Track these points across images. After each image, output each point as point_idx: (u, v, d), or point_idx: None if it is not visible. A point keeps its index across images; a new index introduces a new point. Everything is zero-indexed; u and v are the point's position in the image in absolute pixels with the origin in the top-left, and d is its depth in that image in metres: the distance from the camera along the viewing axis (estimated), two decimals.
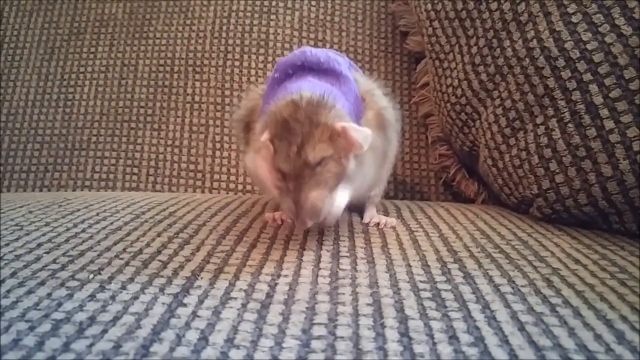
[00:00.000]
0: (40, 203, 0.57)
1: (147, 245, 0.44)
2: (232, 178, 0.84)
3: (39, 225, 0.48)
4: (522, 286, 0.37)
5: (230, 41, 0.89)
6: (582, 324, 0.32)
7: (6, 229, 0.47)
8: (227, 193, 0.83)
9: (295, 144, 0.41)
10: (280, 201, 0.44)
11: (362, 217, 0.54)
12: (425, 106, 0.83)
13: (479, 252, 0.45)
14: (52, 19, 0.95)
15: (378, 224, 0.52)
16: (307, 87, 0.44)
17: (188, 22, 0.91)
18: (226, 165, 0.85)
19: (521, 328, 0.31)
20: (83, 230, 0.47)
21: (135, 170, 0.86)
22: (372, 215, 0.54)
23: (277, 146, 0.42)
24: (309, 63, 0.49)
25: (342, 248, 0.45)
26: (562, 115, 0.55)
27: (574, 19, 0.55)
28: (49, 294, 0.34)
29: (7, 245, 0.43)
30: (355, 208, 0.56)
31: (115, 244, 0.44)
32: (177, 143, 0.86)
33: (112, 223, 0.50)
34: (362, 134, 0.42)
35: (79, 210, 0.54)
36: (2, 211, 0.53)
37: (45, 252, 0.41)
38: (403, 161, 0.84)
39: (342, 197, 0.44)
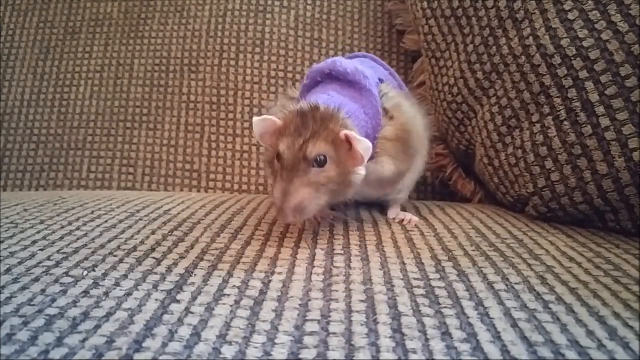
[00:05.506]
0: (35, 202, 0.57)
1: (142, 242, 0.44)
2: (228, 178, 0.84)
3: (34, 223, 0.48)
4: (516, 284, 0.37)
5: (226, 40, 0.89)
6: (575, 320, 0.32)
7: (1, 226, 0.47)
8: (223, 192, 0.83)
9: (303, 137, 0.44)
10: (272, 186, 0.47)
11: (360, 216, 0.55)
12: (422, 105, 0.83)
13: (473, 250, 0.45)
14: (48, 18, 0.95)
15: (402, 220, 0.54)
16: (326, 99, 0.47)
17: (183, 21, 0.91)
18: (222, 165, 0.85)
19: (514, 324, 0.31)
20: (78, 228, 0.47)
21: (131, 170, 0.86)
22: (397, 212, 0.57)
23: (287, 133, 0.45)
24: (336, 73, 0.51)
25: (337, 246, 0.45)
26: (558, 113, 0.55)
27: (570, 16, 0.55)
28: (43, 290, 0.34)
29: (2, 242, 0.43)
30: (377, 205, 0.59)
31: (109, 241, 0.44)
32: (172, 143, 0.86)
33: (106, 221, 0.50)
34: (362, 144, 0.44)
35: (74, 208, 0.54)
36: None
37: (40, 250, 0.41)
38: None
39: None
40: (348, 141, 0.44)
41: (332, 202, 0.47)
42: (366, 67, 0.54)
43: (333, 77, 0.51)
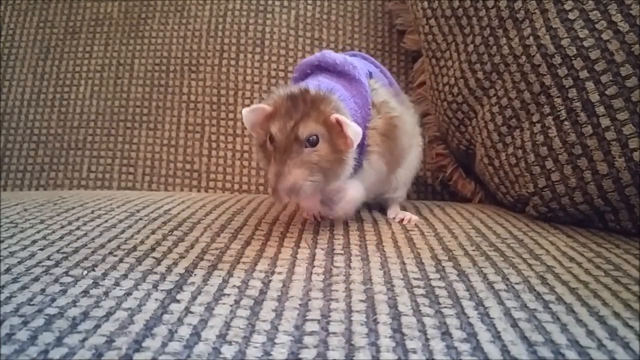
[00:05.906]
0: (35, 201, 0.57)
1: (141, 242, 0.44)
2: (228, 177, 0.84)
3: (33, 223, 0.48)
4: (516, 283, 0.37)
5: (226, 40, 0.89)
6: (574, 320, 0.32)
7: (1, 226, 0.47)
8: (223, 192, 0.83)
9: (294, 119, 0.44)
10: (266, 170, 0.48)
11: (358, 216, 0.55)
12: (422, 105, 0.83)
13: (473, 250, 0.45)
14: (48, 18, 0.95)
15: (402, 219, 0.55)
16: (316, 84, 0.47)
17: (184, 21, 0.91)
18: (222, 165, 0.85)
19: (514, 324, 0.31)
20: (77, 228, 0.47)
21: (131, 169, 0.86)
22: (396, 211, 0.57)
23: (278, 116, 0.45)
24: (325, 64, 0.51)
25: (337, 246, 0.45)
26: (559, 113, 0.55)
27: (570, 16, 0.55)
28: (43, 290, 0.34)
29: (2, 242, 0.43)
30: (377, 205, 0.59)
31: (109, 241, 0.44)
32: (173, 142, 0.86)
33: (106, 221, 0.50)
34: (353, 128, 0.44)
35: (74, 208, 0.54)
36: None
37: (40, 249, 0.41)
38: None
39: (356, 189, 0.49)
40: (339, 124, 0.44)
41: (328, 183, 0.47)
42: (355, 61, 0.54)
43: (322, 69, 0.52)
